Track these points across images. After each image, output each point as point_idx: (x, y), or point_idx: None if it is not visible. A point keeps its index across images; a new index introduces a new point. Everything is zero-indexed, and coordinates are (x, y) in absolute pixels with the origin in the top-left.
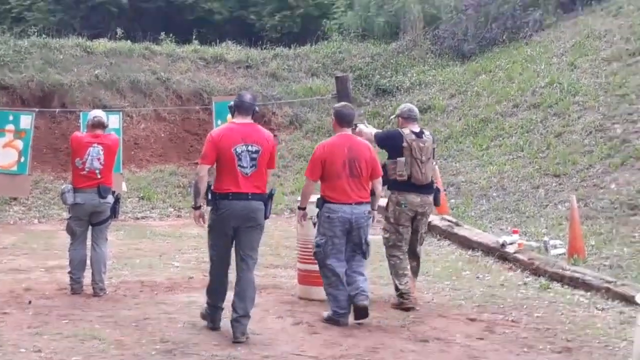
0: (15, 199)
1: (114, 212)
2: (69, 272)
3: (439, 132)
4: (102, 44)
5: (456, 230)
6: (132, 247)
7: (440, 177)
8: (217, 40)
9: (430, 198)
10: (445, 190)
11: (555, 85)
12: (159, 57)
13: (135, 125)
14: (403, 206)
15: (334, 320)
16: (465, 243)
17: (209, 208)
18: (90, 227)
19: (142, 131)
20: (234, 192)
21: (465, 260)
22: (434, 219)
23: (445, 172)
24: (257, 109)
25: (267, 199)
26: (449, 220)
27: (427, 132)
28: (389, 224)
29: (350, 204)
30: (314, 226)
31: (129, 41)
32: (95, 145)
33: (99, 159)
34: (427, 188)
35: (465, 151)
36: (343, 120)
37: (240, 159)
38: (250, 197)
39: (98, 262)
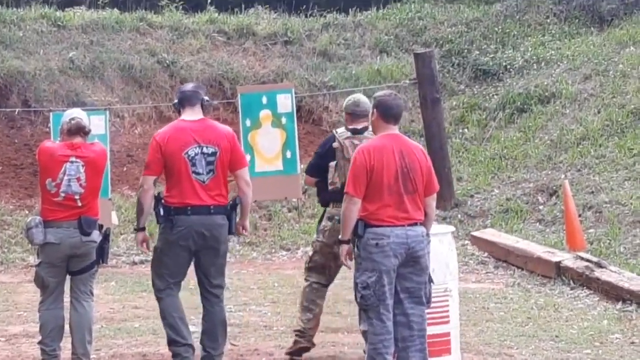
0: None
1: (102, 255)
2: (40, 343)
3: (569, 131)
4: (79, 14)
5: (598, 273)
6: (127, 304)
7: (572, 195)
8: (242, 6)
9: None
10: (580, 215)
11: None
12: (159, 31)
13: (127, 130)
14: (336, 222)
15: None
16: (612, 292)
17: (159, 227)
18: (68, 276)
19: (137, 138)
20: (193, 205)
21: (613, 317)
22: (565, 258)
23: (579, 188)
24: (206, 98)
25: (230, 210)
26: (587, 260)
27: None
28: (318, 241)
29: (404, 225)
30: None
31: (115, 10)
32: (74, 159)
33: (78, 180)
34: None
35: (608, 158)
36: (388, 114)
37: (194, 164)
38: (212, 210)
39: (81, 327)
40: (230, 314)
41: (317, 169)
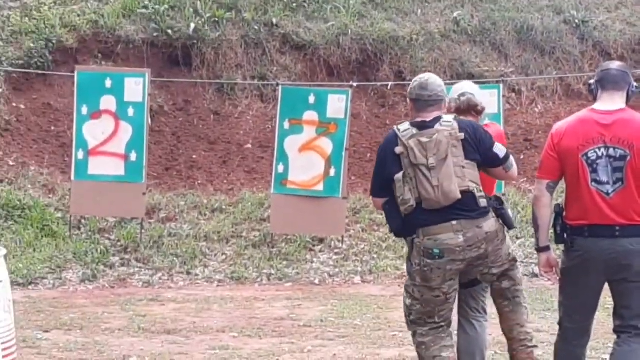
0: (321, 240)
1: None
2: None
3: None
4: None
5: None
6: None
7: None
8: None
9: (486, 224)
10: None
11: None
12: None
13: (525, 107)
14: (435, 256)
15: None
16: None
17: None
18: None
19: (537, 117)
20: (590, 224)
21: None
22: None
23: None
24: (635, 84)
25: None
26: None
27: (448, 118)
28: (414, 285)
29: None
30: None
31: None
32: None
33: None
34: (465, 209)
35: None
36: None
37: (594, 170)
38: (618, 231)
39: (470, 352)
40: None
41: (381, 185)
